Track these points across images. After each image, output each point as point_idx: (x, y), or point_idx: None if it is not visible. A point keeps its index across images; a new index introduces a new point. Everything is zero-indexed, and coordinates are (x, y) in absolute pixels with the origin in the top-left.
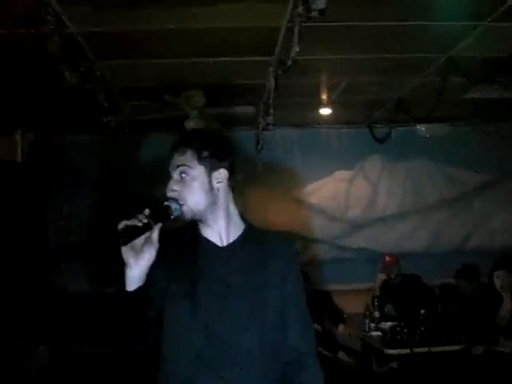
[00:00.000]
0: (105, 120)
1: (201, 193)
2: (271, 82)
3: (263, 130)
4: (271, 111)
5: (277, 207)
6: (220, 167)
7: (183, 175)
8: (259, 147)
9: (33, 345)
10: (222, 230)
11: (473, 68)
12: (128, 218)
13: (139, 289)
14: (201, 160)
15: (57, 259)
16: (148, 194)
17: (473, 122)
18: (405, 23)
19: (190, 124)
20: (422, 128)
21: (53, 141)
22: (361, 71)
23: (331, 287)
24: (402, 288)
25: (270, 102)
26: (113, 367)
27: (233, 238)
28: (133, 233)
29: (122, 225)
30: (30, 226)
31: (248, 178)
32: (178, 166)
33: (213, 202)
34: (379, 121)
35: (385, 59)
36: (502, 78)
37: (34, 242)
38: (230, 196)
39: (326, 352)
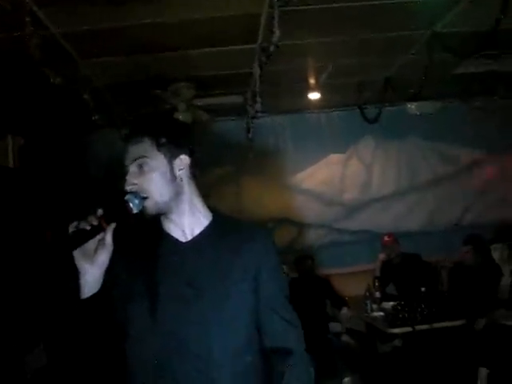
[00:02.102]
0: (93, 118)
1: (163, 183)
2: (256, 70)
3: (253, 118)
4: (258, 99)
5: (271, 194)
6: (181, 153)
7: (142, 166)
8: (250, 135)
9: (28, 345)
10: (185, 224)
11: (458, 43)
12: (80, 220)
13: (94, 296)
14: (160, 147)
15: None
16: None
17: (463, 97)
18: (385, 1)
19: (179, 117)
20: (412, 106)
21: (43, 143)
22: (346, 53)
23: (331, 271)
24: (403, 267)
25: (257, 89)
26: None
27: (198, 230)
28: (82, 237)
29: (72, 227)
30: (29, 229)
31: (241, 167)
32: (136, 159)
33: (177, 193)
34: (369, 101)
35: (369, 39)
36: (488, 51)
37: (33, 245)
38: (193, 184)
39: (329, 335)
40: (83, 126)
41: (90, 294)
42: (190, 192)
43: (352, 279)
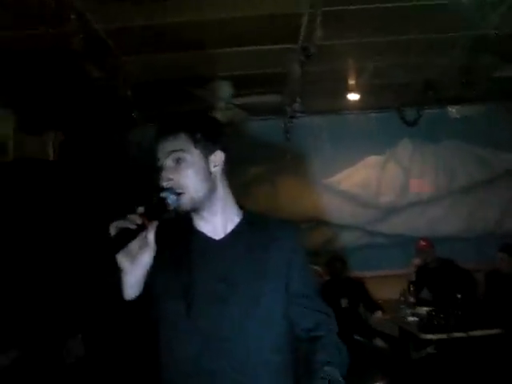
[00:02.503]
0: (133, 115)
1: (199, 179)
2: (297, 70)
3: (291, 118)
4: (298, 99)
5: (307, 195)
6: (216, 150)
7: (179, 161)
8: (288, 136)
9: (65, 335)
10: (217, 221)
11: (502, 46)
12: (120, 219)
13: (138, 298)
14: (196, 143)
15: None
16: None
17: (504, 101)
18: (430, 2)
19: (218, 115)
20: (452, 109)
21: (83, 139)
22: (387, 54)
23: (364, 274)
24: (438, 272)
25: (296, 89)
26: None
27: (230, 227)
28: (126, 236)
29: (113, 228)
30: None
31: (277, 166)
32: (172, 152)
33: (211, 189)
34: (409, 104)
35: (411, 40)
36: None
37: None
38: (226, 181)
39: (361, 339)
40: (122, 122)
41: (134, 295)
42: (223, 189)
43: (385, 283)
